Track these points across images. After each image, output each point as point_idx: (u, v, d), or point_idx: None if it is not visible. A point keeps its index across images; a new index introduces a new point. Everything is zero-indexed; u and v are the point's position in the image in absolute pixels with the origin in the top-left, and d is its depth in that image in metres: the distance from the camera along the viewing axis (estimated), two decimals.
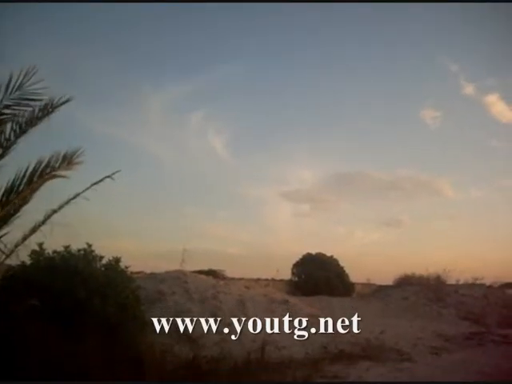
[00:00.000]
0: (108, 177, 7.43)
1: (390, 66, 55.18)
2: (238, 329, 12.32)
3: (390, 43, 44.03)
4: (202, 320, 12.25)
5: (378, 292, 30.52)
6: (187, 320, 11.90)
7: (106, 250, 10.55)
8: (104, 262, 10.08)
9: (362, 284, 33.39)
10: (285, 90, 55.69)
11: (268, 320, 13.79)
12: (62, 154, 7.14)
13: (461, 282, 28.79)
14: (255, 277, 27.15)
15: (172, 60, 44.33)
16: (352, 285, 31.17)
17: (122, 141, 42.82)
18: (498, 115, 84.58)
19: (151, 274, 16.38)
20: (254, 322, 13.22)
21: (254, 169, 60.40)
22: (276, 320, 13.90)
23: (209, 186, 54.40)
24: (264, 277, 28.58)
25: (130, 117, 43.43)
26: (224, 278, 21.51)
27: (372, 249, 60.74)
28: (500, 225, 79.35)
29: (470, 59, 53.59)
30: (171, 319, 11.59)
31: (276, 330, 13.18)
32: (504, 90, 72.85)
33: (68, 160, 7.18)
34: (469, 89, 73.28)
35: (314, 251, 31.17)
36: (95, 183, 7.37)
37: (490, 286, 29.29)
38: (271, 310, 14.75)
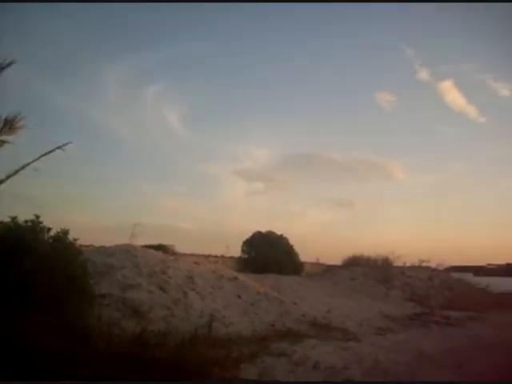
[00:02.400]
0: (59, 148, 7.33)
1: (347, 49, 55.55)
2: (186, 304, 12.43)
3: (348, 27, 44.20)
4: (150, 294, 12.32)
5: (326, 272, 31.07)
6: (135, 294, 11.95)
7: (55, 222, 10.44)
8: (52, 234, 9.97)
9: (312, 263, 33.82)
10: (241, 68, 55.38)
11: (216, 296, 13.96)
12: (2, 118, 6.97)
13: (408, 265, 29.63)
14: (206, 253, 27.26)
15: (130, 33, 43.40)
16: (301, 264, 31.53)
17: (76, 113, 41.92)
18: (451, 102, 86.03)
19: (101, 247, 16.25)
20: (202, 298, 13.35)
21: (209, 145, 60.09)
22: (224, 296, 14.09)
23: (163, 161, 53.89)
24: (215, 253, 28.71)
25: (85, 89, 42.47)
26: (174, 253, 21.48)
27: (323, 229, 61.51)
28: (449, 209, 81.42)
29: (426, 44, 54.28)
30: (119, 293, 11.62)
31: (224, 306, 13.35)
32: (458, 77, 74.11)
33: (9, 124, 7.02)
34: (423, 74, 74.28)
35: (265, 229, 31.41)
36: (45, 154, 7.25)
37: (435, 269, 30.15)
38: (220, 286, 14.90)
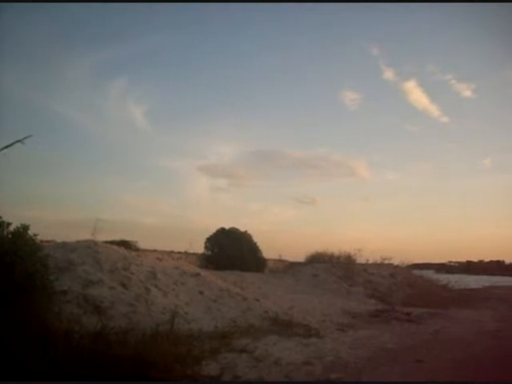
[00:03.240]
0: (19, 141, 7.25)
1: (312, 48, 55.99)
2: (148, 300, 12.43)
3: (314, 26, 44.60)
4: (112, 290, 12.27)
5: (289, 268, 31.31)
6: (96, 290, 11.90)
7: (16, 217, 10.33)
8: (12, 229, 9.85)
9: (275, 260, 34.05)
10: (208, 65, 55.42)
11: (179, 292, 13.97)
12: None
13: (370, 261, 30.05)
14: (169, 249, 27.20)
15: (97, 26, 43.04)
16: (264, 260, 31.72)
17: (39, 106, 41.39)
18: (414, 102, 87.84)
19: (62, 243, 16.06)
20: (165, 294, 13.36)
21: (174, 141, 60.09)
22: (187, 292, 14.12)
23: (127, 156, 53.64)
24: (178, 249, 28.66)
25: (48, 82, 41.99)
26: (137, 249, 21.41)
27: (286, 226, 62.07)
28: (411, 207, 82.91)
29: (391, 45, 55.09)
30: (80, 289, 11.56)
31: (186, 302, 13.39)
32: (422, 77, 75.59)
33: None
34: (388, 73, 75.53)
35: (229, 226, 31.50)
36: (5, 147, 7.17)
37: (397, 266, 30.64)
38: (182, 282, 14.92)
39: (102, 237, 17.15)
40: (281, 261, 34.19)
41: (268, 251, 32.78)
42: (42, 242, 11.22)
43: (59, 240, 17.32)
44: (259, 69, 60.60)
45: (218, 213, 56.92)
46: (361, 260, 29.78)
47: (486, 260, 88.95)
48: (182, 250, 28.94)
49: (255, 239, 31.35)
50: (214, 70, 55.94)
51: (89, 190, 48.48)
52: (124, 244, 19.92)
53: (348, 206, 73.50)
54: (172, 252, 26.93)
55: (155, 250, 23.91)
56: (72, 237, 16.74)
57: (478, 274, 66.08)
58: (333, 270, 27.43)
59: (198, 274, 16.23)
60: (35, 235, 10.13)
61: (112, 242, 18.51)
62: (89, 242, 15.13)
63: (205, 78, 57.46)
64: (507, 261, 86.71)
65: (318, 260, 30.35)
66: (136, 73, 50.89)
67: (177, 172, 62.34)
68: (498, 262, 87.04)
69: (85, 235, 16.54)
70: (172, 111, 59.68)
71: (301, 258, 33.05)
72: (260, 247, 31.37)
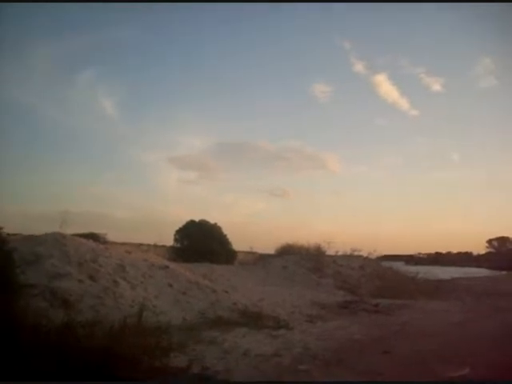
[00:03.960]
0: None
1: (285, 40, 56.09)
2: (116, 293, 12.43)
3: (287, 19, 44.67)
4: (80, 284, 12.25)
5: (259, 260, 31.43)
6: (64, 283, 11.86)
7: None
8: None
9: (245, 252, 34.17)
10: (178, 57, 55.08)
11: (147, 285, 13.99)
12: None
13: (340, 253, 30.32)
14: (138, 242, 27.17)
15: (67, 17, 42.45)
16: (234, 253, 31.83)
17: (6, 96, 40.66)
18: (385, 95, 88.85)
19: (29, 236, 15.94)
20: (133, 287, 13.37)
21: (143, 133, 59.76)
22: (155, 285, 14.14)
23: (96, 148, 53.15)
24: (147, 242, 28.63)
25: (16, 72, 41.31)
26: (105, 241, 21.36)
27: (256, 218, 62.35)
28: (381, 200, 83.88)
29: (362, 38, 55.48)
30: (47, 282, 11.51)
31: (155, 295, 13.42)
32: (392, 71, 76.44)
33: None
34: (359, 67, 76.15)
35: (199, 218, 31.53)
36: None
37: (366, 258, 30.97)
38: (151, 275, 14.93)
39: (70, 229, 17.06)
40: (251, 253, 34.33)
41: (238, 243, 32.95)
42: (8, 235, 11.13)
43: (26, 233, 17.21)
44: (230, 61, 60.66)
45: (188, 205, 56.98)
46: (330, 252, 30.06)
47: (455, 252, 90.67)
48: (152, 243, 28.93)
49: (226, 231, 31.47)
50: (186, 61, 55.73)
51: (57, 183, 48.01)
52: (92, 236, 19.86)
53: (318, 199, 74.19)
54: (141, 244, 26.90)
55: (124, 243, 23.87)
56: (39, 230, 16.61)
57: (446, 265, 67.15)
58: (302, 262, 27.61)
59: (166, 267, 16.25)
60: (0, 228, 10.08)
61: (80, 235, 18.44)
62: (56, 235, 15.04)
63: (175, 69, 57.27)
64: (475, 252, 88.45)
65: (288, 252, 30.49)
66: (106, 64, 50.52)
67: (146, 164, 62.12)
68: (466, 253, 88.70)
69: (53, 228, 16.43)
70: (142, 103, 59.42)
71: (271, 250, 33.26)
72: (230, 239, 31.51)
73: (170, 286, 14.62)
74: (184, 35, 51.81)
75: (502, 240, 79.95)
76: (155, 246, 28.81)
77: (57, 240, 14.50)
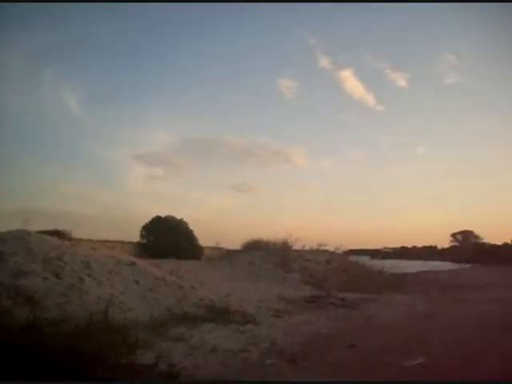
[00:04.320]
0: None
1: (249, 37, 56.08)
2: (82, 290, 12.32)
3: (253, 14, 44.65)
4: (45, 281, 12.11)
5: (226, 256, 31.47)
6: (28, 281, 11.72)
7: None
8: None
9: (211, 248, 34.21)
10: (144, 52, 54.66)
11: (113, 281, 13.89)
12: None
13: (306, 248, 30.52)
14: (104, 238, 26.95)
15: (32, 12, 41.71)
16: (201, 248, 31.83)
17: None
18: (350, 90, 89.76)
19: None
20: (99, 284, 13.27)
21: (109, 129, 59.17)
22: (122, 282, 14.05)
23: (61, 145, 52.38)
24: (113, 239, 28.47)
25: None
26: (70, 238, 21.14)
27: (223, 214, 62.37)
28: (347, 195, 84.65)
29: (327, 33, 55.79)
30: (11, 280, 11.37)
31: (121, 291, 13.34)
32: (357, 66, 77.12)
33: None
34: (324, 62, 76.60)
35: (165, 214, 31.43)
36: None
37: (333, 252, 31.23)
38: (117, 271, 14.83)
39: (34, 226, 16.87)
40: (218, 248, 34.38)
41: (206, 239, 32.98)
42: None
43: None
44: (197, 57, 60.42)
45: (155, 201, 56.74)
46: (297, 247, 30.23)
47: (420, 246, 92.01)
48: (118, 239, 28.77)
49: (193, 227, 31.45)
50: (151, 57, 55.33)
51: (21, 179, 47.22)
52: (57, 233, 19.66)
53: (286, 194, 74.57)
54: (107, 241, 26.71)
55: (90, 240, 23.66)
56: (2, 227, 16.38)
57: (411, 259, 68.07)
58: (269, 257, 27.73)
59: (133, 263, 16.16)
60: None
61: (45, 232, 18.24)
62: (20, 232, 14.86)
63: (141, 65, 56.83)
64: (439, 246, 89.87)
65: (254, 247, 30.59)
66: (71, 60, 49.77)
67: (112, 160, 61.55)
68: (431, 247, 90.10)
69: (16, 225, 16.21)
70: (107, 99, 58.80)
71: (238, 246, 33.35)
72: (197, 235, 31.52)
73: (137, 282, 14.53)
74: (150, 31, 51.48)
75: (466, 234, 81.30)
76: (122, 242, 28.68)
77: (21, 237, 14.32)
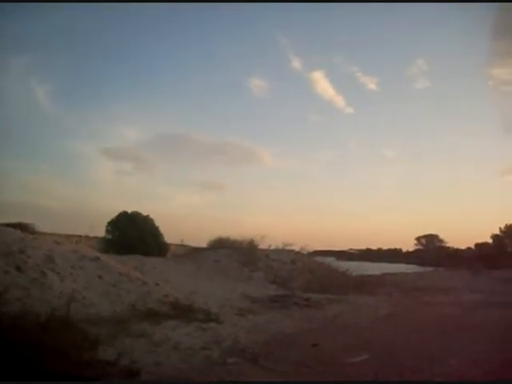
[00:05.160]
0: None
1: (223, 34, 56.02)
2: (44, 284, 12.20)
3: (225, 12, 44.59)
4: (6, 275, 11.97)
5: (191, 254, 31.41)
6: None
7: None
8: None
9: (177, 245, 34.09)
10: (114, 47, 54.11)
11: (77, 276, 13.78)
12: None
13: (272, 248, 30.61)
14: (69, 232, 26.71)
15: None
16: (166, 245, 31.70)
17: None
18: (321, 92, 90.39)
19: None
20: (62, 278, 13.15)
21: (77, 122, 58.45)
22: (85, 277, 13.95)
23: (27, 136, 51.53)
24: (78, 233, 28.22)
25: None
26: (34, 232, 20.89)
27: (190, 211, 62.22)
28: (314, 196, 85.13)
29: (300, 35, 56.04)
30: None
31: (84, 286, 13.24)
32: (328, 68, 77.73)
33: None
34: (296, 63, 77.00)
35: (133, 210, 31.26)
36: None
37: (298, 253, 31.36)
38: (81, 266, 14.71)
39: None
40: (183, 246, 34.27)
41: (172, 236, 32.83)
42: None
43: None
44: (169, 53, 60.07)
45: (122, 197, 56.28)
46: (263, 246, 30.30)
47: (385, 248, 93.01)
48: (83, 234, 28.53)
49: (159, 224, 31.31)
50: (122, 52, 54.83)
51: None
52: (21, 227, 19.41)
53: (253, 193, 74.71)
54: (72, 235, 26.47)
55: (54, 234, 23.40)
56: None
57: (376, 261, 68.71)
58: (235, 255, 27.75)
59: (97, 258, 16.04)
60: None
61: (8, 225, 18.00)
62: None
63: (111, 59, 56.18)
64: (404, 249, 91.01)
65: (220, 246, 30.58)
66: (40, 52, 48.98)
67: (81, 154, 60.87)
68: (396, 250, 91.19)
69: None
70: (76, 92, 58.03)
71: (204, 244, 33.30)
72: (163, 232, 31.38)
73: (100, 277, 14.44)
74: (120, 25, 50.98)
75: (430, 237, 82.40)
76: (87, 237, 28.44)
77: None
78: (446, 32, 64.39)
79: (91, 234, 29.27)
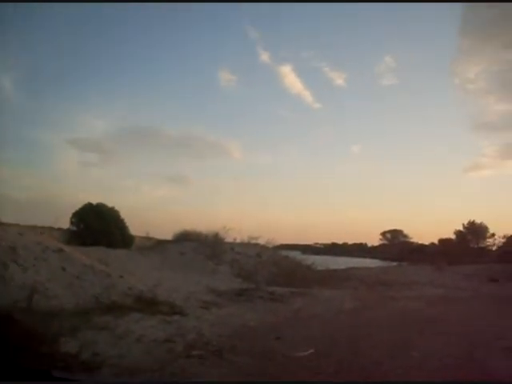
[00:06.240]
0: None
1: (192, 25, 55.62)
2: (6, 276, 12.05)
3: (194, 5, 44.22)
4: None
5: (156, 246, 31.25)
6: None
7: None
8: None
9: (142, 237, 33.88)
10: (83, 36, 53.26)
11: (40, 268, 13.63)
12: None
13: (238, 241, 30.61)
14: (32, 224, 26.27)
15: None
16: (131, 237, 31.51)
17: None
18: (290, 85, 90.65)
19: None
20: (24, 270, 12.99)
21: (42, 111, 57.39)
22: (48, 268, 13.80)
23: None
24: (42, 224, 27.80)
25: None
26: None
27: (157, 203, 61.88)
28: (281, 190, 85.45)
29: (268, 28, 56.07)
30: None
31: (47, 278, 13.10)
32: (296, 63, 77.90)
33: None
34: (264, 57, 76.97)
35: (97, 201, 30.95)
36: None
37: (263, 246, 31.41)
38: (44, 258, 14.53)
39: None
40: (148, 238, 34.08)
41: (138, 228, 32.61)
42: None
43: None
44: (136, 44, 59.49)
45: (87, 188, 55.48)
46: (229, 239, 30.28)
47: (350, 243, 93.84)
48: (47, 225, 28.13)
49: (125, 216, 31.09)
50: (88, 40, 54.01)
51: None
52: None
53: (219, 186, 74.47)
54: (35, 227, 26.07)
55: (17, 225, 23.02)
56: None
57: (342, 255, 69.29)
58: (200, 248, 27.70)
59: (61, 250, 15.85)
60: None
61: None
62: None
63: (78, 47, 55.27)
64: (369, 244, 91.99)
65: (186, 238, 30.47)
66: (2, 37, 47.96)
67: (44, 144, 59.81)
68: (361, 244, 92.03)
69: None
70: (41, 80, 56.95)
71: (169, 236, 33.16)
72: (129, 224, 31.16)
73: (64, 269, 14.28)
74: (90, 12, 50.23)
75: (395, 232, 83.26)
76: (51, 228, 28.05)
77: None
78: (413, 30, 65.11)
79: (55, 226, 28.87)
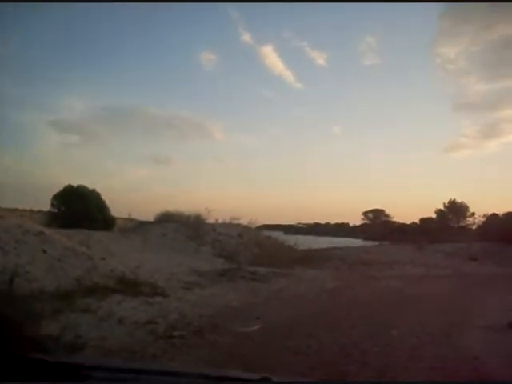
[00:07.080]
0: None
1: (173, 5, 55.15)
2: None
3: None
4: None
5: (138, 228, 31.22)
6: None
7: None
8: None
9: (124, 219, 33.80)
10: (62, 16, 52.49)
11: (20, 251, 13.58)
12: None
13: (220, 221, 30.70)
14: (12, 206, 26.16)
15: None
16: (113, 219, 31.40)
17: None
18: (271, 66, 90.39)
19: None
20: (5, 253, 12.94)
21: (21, 91, 56.69)
22: (29, 251, 13.76)
23: None
24: (22, 207, 27.67)
25: None
26: None
27: (140, 185, 61.69)
28: (263, 170, 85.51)
29: (249, 8, 55.71)
30: None
31: (28, 261, 13.06)
32: (278, 43, 77.57)
33: None
34: (246, 37, 76.57)
35: (78, 183, 30.77)
36: None
37: (245, 227, 31.49)
38: (25, 241, 14.47)
39: None
40: (130, 220, 34.03)
41: (120, 210, 32.57)
42: None
43: None
44: (117, 24, 58.80)
45: (69, 170, 55.01)
46: (211, 220, 30.34)
47: (332, 222, 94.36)
48: (27, 208, 27.99)
49: (106, 198, 30.91)
50: (70, 20, 53.31)
51: None
52: None
53: (202, 167, 74.39)
54: (16, 209, 25.95)
55: None
56: None
57: (324, 235, 69.67)
58: (182, 229, 27.72)
59: (41, 233, 15.79)
60: None
61: None
62: None
63: (58, 26, 54.60)
64: (351, 223, 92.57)
65: (168, 220, 30.46)
66: None
67: (24, 125, 59.17)
68: (343, 224, 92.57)
69: None
70: (21, 60, 56.20)
71: (151, 218, 33.14)
72: (111, 206, 31.00)
73: (45, 252, 14.23)
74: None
75: (377, 212, 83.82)
76: (31, 211, 27.91)
77: None
78: (394, 9, 64.96)
79: (36, 208, 28.75)
